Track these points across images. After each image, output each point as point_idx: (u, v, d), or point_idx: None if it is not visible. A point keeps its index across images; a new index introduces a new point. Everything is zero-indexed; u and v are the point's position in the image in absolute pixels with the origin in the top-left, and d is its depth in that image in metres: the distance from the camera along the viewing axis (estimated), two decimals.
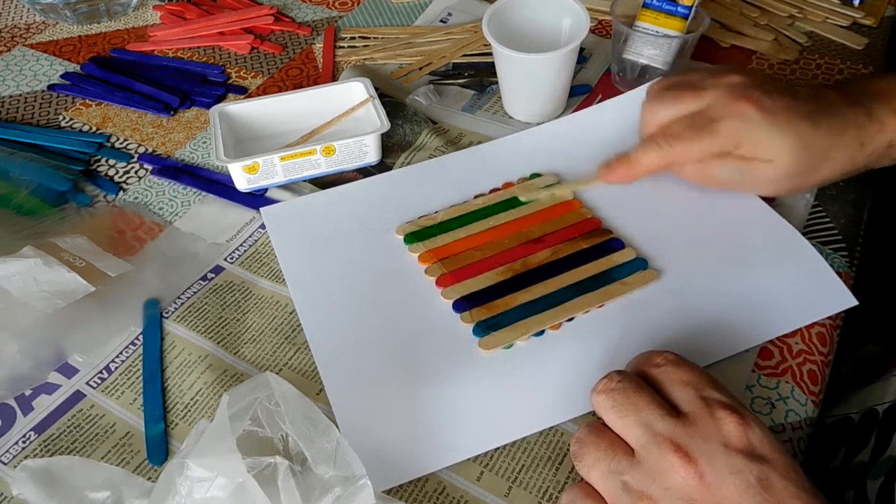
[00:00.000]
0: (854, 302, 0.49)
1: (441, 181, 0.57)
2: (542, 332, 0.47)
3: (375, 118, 0.59)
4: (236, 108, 0.60)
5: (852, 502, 0.49)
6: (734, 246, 0.51)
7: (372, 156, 0.59)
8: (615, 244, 0.52)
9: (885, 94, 0.49)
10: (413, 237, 0.53)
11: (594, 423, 0.38)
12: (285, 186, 0.59)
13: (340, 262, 0.52)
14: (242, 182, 0.57)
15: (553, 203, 0.55)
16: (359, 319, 0.49)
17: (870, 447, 0.52)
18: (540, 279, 0.50)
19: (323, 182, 0.59)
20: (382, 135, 0.58)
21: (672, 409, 0.36)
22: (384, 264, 0.52)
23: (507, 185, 0.57)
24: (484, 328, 0.47)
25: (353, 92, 0.62)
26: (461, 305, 0.48)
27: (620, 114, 0.58)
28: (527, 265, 0.51)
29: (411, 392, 0.44)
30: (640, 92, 0.57)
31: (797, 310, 0.48)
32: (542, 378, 0.45)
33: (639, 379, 0.38)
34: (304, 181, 0.59)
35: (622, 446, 0.36)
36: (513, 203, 0.55)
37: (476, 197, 0.56)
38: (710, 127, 0.48)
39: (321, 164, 0.58)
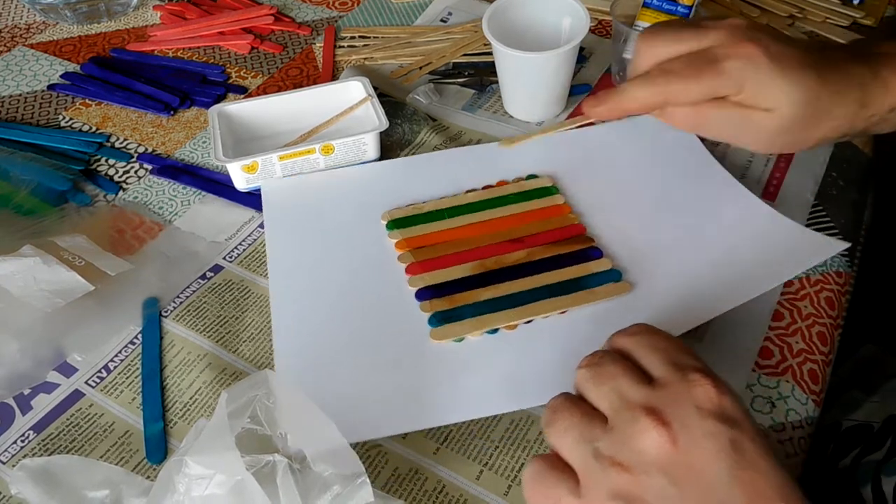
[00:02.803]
0: (845, 244, 0.49)
1: (438, 173, 0.58)
2: (496, 331, 0.47)
3: (374, 117, 0.59)
4: (236, 107, 0.60)
5: (871, 501, 0.49)
6: (723, 266, 0.49)
7: (371, 154, 0.59)
8: (593, 253, 0.51)
9: (893, 55, 0.46)
10: (395, 224, 0.54)
11: (570, 394, 0.37)
12: None
13: (324, 241, 0.53)
14: (241, 181, 0.57)
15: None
16: (326, 296, 0.50)
17: (885, 448, 0.52)
18: (508, 278, 0.50)
19: None
20: (381, 134, 0.58)
21: (646, 378, 0.35)
22: (364, 247, 0.53)
23: (501, 182, 0.57)
24: (439, 319, 0.48)
25: (351, 91, 0.62)
26: (424, 294, 0.49)
27: (621, 119, 0.58)
28: (500, 263, 0.51)
29: (361, 367, 0.46)
30: None
31: (779, 268, 0.48)
32: (486, 372, 0.45)
33: (618, 354, 0.37)
34: None
35: (597, 416, 0.35)
36: (500, 202, 0.55)
37: (467, 192, 0.56)
38: (713, 66, 0.43)
39: (320, 163, 0.58)
